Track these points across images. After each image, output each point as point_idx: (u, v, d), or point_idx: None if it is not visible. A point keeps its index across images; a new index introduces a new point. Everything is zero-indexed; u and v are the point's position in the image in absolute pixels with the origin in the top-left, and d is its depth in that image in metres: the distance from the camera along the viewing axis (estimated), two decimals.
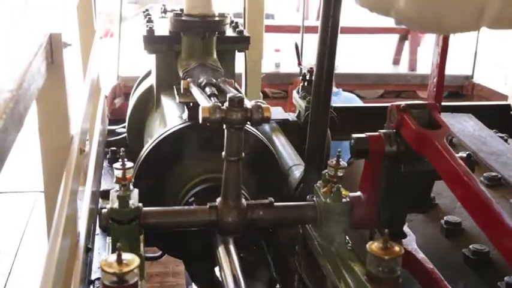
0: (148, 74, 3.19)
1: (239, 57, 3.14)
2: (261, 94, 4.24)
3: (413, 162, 1.70)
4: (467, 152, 1.68)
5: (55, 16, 1.84)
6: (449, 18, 0.69)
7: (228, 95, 1.66)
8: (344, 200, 1.70)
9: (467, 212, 1.54)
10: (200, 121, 1.64)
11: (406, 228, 1.87)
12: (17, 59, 1.26)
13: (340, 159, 1.72)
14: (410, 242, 1.86)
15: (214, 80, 2.40)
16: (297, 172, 2.53)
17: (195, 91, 2.27)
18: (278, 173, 2.47)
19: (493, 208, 1.40)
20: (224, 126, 1.66)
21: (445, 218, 2.23)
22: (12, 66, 1.18)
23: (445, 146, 1.57)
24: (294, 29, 6.27)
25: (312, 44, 5.50)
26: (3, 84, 1.02)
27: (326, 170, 1.75)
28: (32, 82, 1.22)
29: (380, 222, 1.77)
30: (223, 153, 1.70)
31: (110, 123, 3.83)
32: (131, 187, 1.68)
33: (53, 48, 1.64)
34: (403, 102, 1.71)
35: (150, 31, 2.76)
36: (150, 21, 2.93)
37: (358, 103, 5.28)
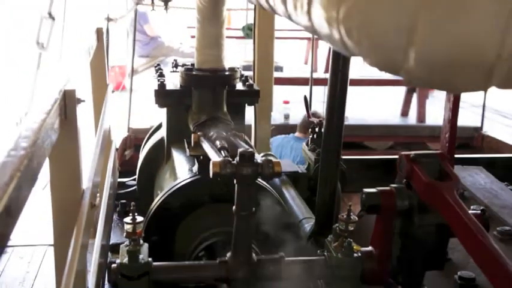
0: (159, 127, 3.22)
1: (249, 109, 3.17)
2: (270, 146, 4.26)
3: (426, 216, 1.67)
4: (481, 208, 1.66)
5: (69, 72, 1.88)
6: (458, 79, 0.70)
7: (239, 150, 1.67)
8: (355, 255, 1.68)
9: (477, 266, 1.51)
10: (211, 176, 1.65)
11: None
12: (31, 116, 1.28)
13: (351, 213, 1.71)
14: None
15: (224, 134, 2.41)
16: (308, 226, 2.51)
17: (206, 145, 2.28)
18: (288, 227, 2.44)
19: (505, 264, 1.38)
20: (235, 181, 1.66)
21: (458, 273, 2.19)
22: (27, 123, 1.20)
23: (455, 199, 1.55)
24: (302, 81, 6.34)
25: (320, 95, 5.56)
26: (18, 142, 1.04)
27: (337, 224, 1.74)
28: (46, 139, 1.24)
29: (395, 278, 1.74)
30: (234, 207, 1.69)
31: (120, 175, 3.84)
32: (141, 241, 1.67)
33: (67, 105, 1.66)
34: (412, 152, 1.69)
35: (162, 85, 2.80)
36: (161, 75, 2.98)
37: None
